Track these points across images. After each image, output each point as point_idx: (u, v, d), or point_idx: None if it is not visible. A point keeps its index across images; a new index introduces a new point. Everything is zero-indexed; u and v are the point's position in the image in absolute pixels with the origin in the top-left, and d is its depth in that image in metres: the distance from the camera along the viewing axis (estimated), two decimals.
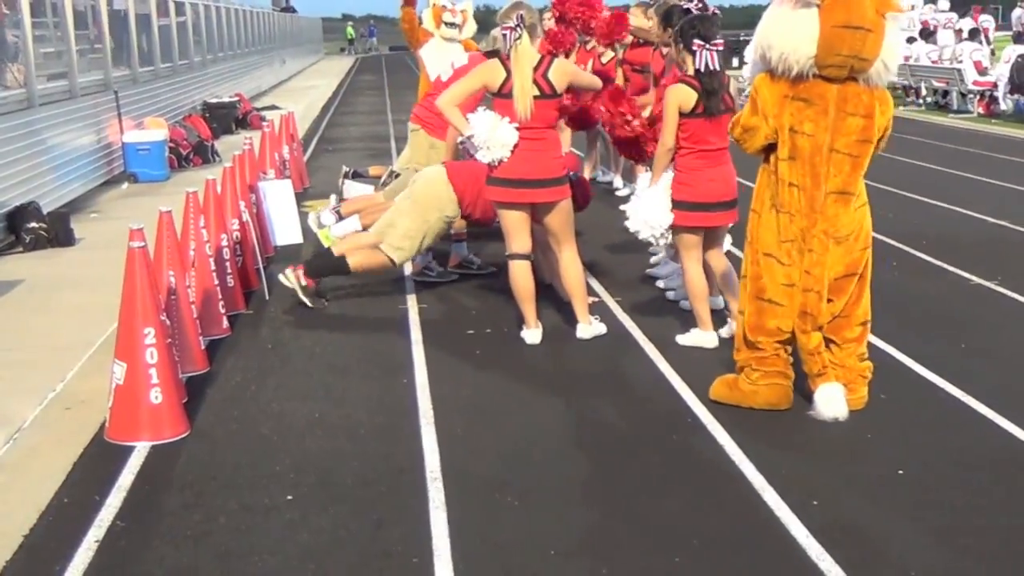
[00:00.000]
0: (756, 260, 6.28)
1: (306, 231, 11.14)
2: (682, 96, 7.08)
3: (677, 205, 7.18)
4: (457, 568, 4.60)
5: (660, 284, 9.06)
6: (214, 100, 23.13)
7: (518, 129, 7.44)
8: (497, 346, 7.70)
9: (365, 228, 10.33)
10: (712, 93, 7.06)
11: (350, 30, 78.91)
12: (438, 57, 15.52)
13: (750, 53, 6.37)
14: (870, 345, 6.62)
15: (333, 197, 11.79)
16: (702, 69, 7.07)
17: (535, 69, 7.42)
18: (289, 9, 52.52)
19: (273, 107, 27.26)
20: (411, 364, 7.32)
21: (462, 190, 8.57)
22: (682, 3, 7.89)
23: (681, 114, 7.10)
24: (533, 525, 5.00)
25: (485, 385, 6.96)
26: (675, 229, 7.29)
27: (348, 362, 7.46)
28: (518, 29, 7.40)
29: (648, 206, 7.21)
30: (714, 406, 6.40)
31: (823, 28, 5.87)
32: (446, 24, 15.56)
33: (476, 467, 5.64)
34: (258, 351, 7.70)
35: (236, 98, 24.01)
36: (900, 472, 5.50)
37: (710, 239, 7.45)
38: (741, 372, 6.38)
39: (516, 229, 7.64)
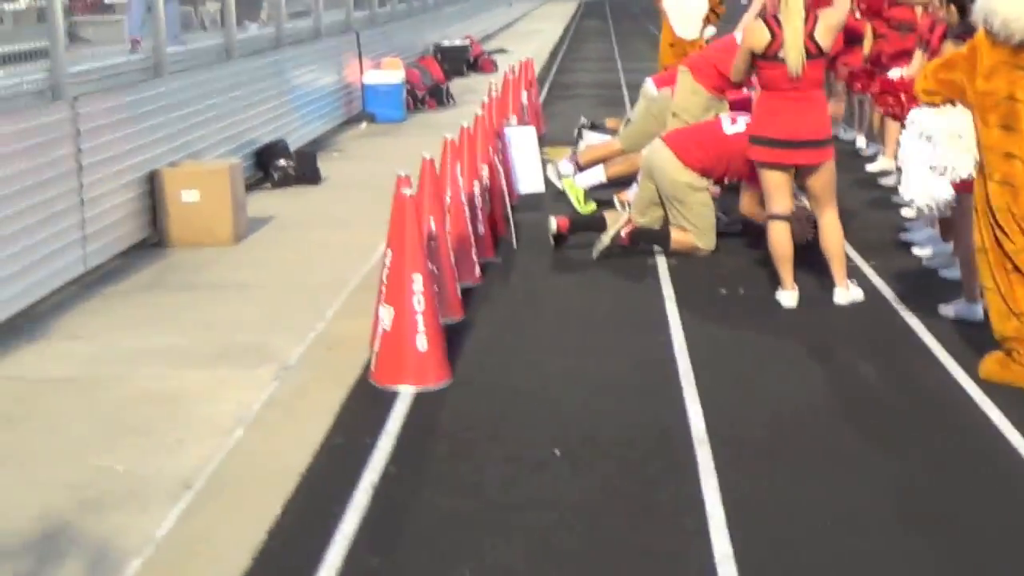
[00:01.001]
0: (989, 229, 6.03)
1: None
2: None
3: None
4: (734, 536, 4.49)
5: (916, 251, 8.76)
6: (446, 43, 23.29)
7: (785, 90, 7.28)
8: (752, 307, 7.56)
9: (609, 180, 10.30)
10: None
11: None
12: (680, 6, 15.38)
13: None
14: None
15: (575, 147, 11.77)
16: None
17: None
18: None
19: (502, 50, 27.35)
20: (665, 321, 7.23)
21: (692, 161, 8.50)
22: None
23: None
24: (807, 496, 4.87)
25: (744, 348, 6.83)
26: (959, 194, 6.98)
27: (601, 315, 7.43)
28: None
29: (930, 174, 6.89)
30: (986, 383, 6.14)
31: None
32: None
33: (743, 432, 5.53)
34: (511, 301, 7.72)
35: (467, 41, 24.13)
36: None
37: None
38: (1010, 350, 6.10)
39: (778, 189, 7.47)
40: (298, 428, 5.60)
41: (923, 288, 7.86)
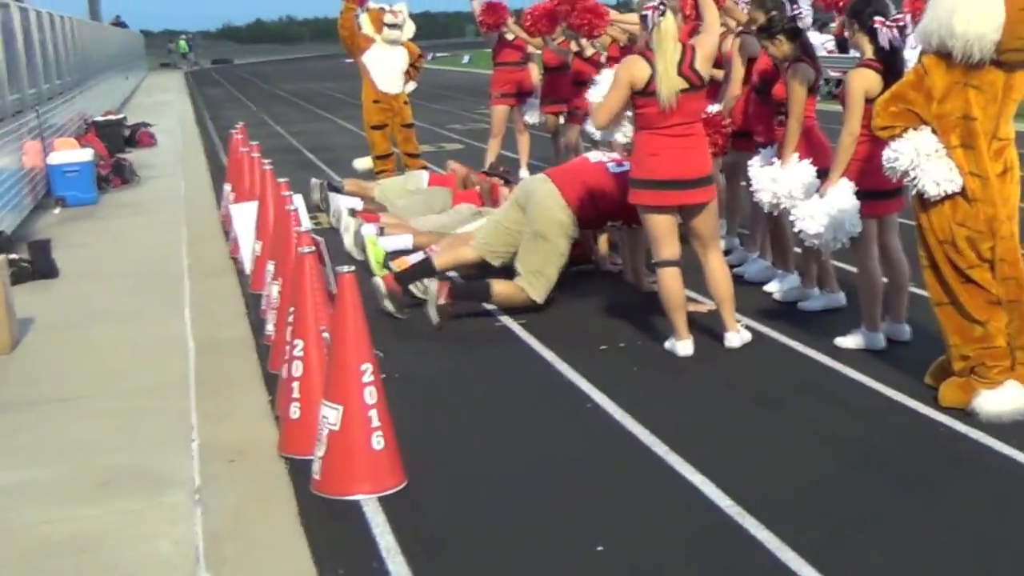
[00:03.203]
0: (939, 247, 5.86)
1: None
2: (868, 81, 6.58)
3: (866, 195, 6.63)
4: None
5: (767, 288, 8.50)
6: (100, 118, 21.82)
7: (666, 127, 6.86)
8: (649, 361, 7.09)
9: (415, 249, 9.62)
10: (896, 74, 6.56)
11: (183, 43, 75.92)
12: (382, 61, 14.85)
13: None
14: None
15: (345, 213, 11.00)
16: (886, 47, 6.58)
17: (680, 60, 6.82)
18: (121, 24, 50.61)
19: (144, 124, 25.91)
20: (574, 386, 6.66)
21: (575, 200, 8.08)
22: None
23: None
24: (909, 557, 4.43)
25: (683, 403, 6.36)
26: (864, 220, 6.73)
27: (500, 385, 6.80)
28: (661, 7, 6.78)
29: (835, 204, 6.60)
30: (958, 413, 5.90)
31: (1009, 13, 5.52)
32: (387, 26, 14.96)
33: (778, 497, 5.04)
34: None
35: (122, 115, 22.72)
36: None
37: (887, 228, 6.98)
38: (972, 367, 5.86)
39: (665, 234, 7.04)
40: (276, 562, 4.69)
41: (798, 322, 7.64)
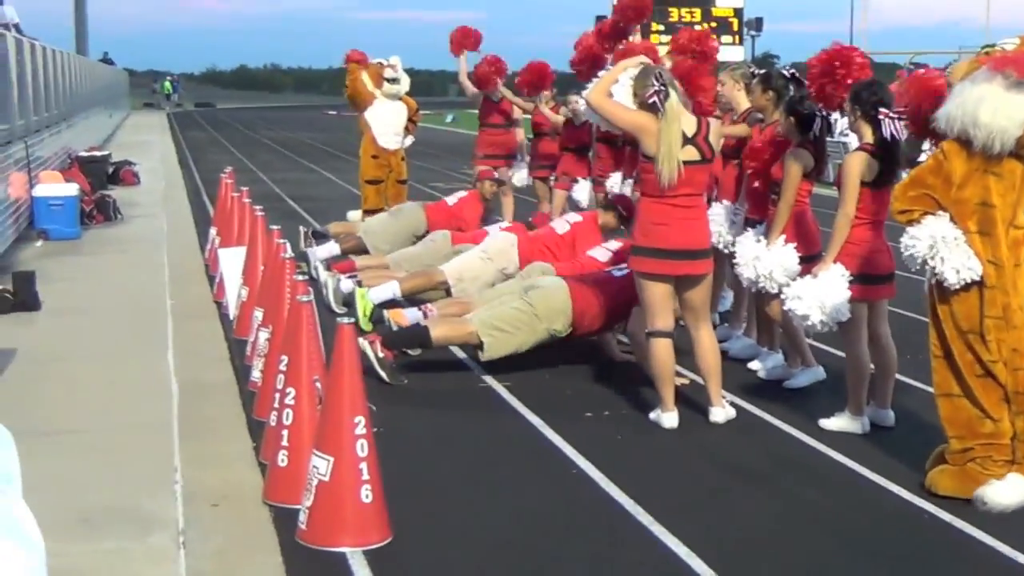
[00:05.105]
0: (958, 336, 5.82)
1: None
2: (865, 165, 6.67)
3: (859, 280, 6.69)
4: None
5: (750, 365, 8.52)
6: (84, 153, 21.79)
7: (672, 196, 6.89)
8: (634, 430, 7.10)
9: (405, 296, 9.67)
10: (894, 164, 6.66)
11: (168, 84, 75.81)
12: (382, 117, 14.90)
13: None
14: None
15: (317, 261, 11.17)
16: (888, 139, 6.66)
17: (697, 132, 6.88)
18: (108, 61, 50.69)
19: (128, 162, 25.90)
20: (558, 450, 6.67)
21: (581, 309, 8.15)
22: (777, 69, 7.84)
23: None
24: None
25: (668, 474, 6.36)
26: (852, 304, 6.78)
27: (486, 446, 6.80)
28: (663, 89, 6.84)
29: (826, 287, 6.65)
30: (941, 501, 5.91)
31: None
32: (388, 81, 15.03)
33: (762, 572, 5.03)
34: None
35: (107, 152, 22.69)
36: None
37: (877, 314, 7.03)
38: (974, 458, 5.86)
39: (662, 304, 7.07)
40: None
41: (782, 401, 7.67)
